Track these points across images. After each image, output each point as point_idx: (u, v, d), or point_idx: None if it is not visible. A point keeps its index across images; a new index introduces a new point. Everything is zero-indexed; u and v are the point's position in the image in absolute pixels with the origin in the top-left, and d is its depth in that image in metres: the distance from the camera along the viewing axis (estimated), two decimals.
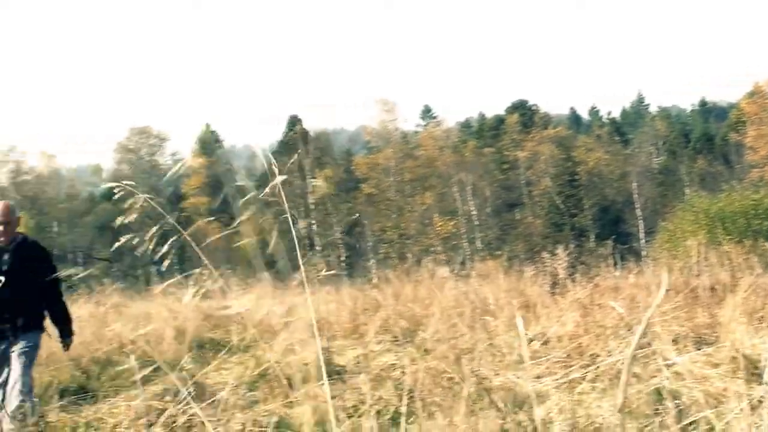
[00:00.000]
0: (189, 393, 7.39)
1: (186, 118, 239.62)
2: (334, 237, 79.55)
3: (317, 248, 78.89)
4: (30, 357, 8.02)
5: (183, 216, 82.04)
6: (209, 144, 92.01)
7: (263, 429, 5.18)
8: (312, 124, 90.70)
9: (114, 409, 8.76)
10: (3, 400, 7.85)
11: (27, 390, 7.84)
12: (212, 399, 7.01)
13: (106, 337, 12.86)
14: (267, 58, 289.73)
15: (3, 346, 7.96)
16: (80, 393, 10.42)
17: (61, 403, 9.22)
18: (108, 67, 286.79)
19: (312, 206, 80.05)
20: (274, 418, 7.31)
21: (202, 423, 6.83)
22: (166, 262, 4.35)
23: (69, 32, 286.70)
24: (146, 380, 7.86)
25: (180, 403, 7.35)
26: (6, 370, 7.96)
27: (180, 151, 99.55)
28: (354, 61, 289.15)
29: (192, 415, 6.86)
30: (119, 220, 4.41)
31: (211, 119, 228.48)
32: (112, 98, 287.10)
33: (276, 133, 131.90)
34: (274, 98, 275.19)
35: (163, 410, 7.49)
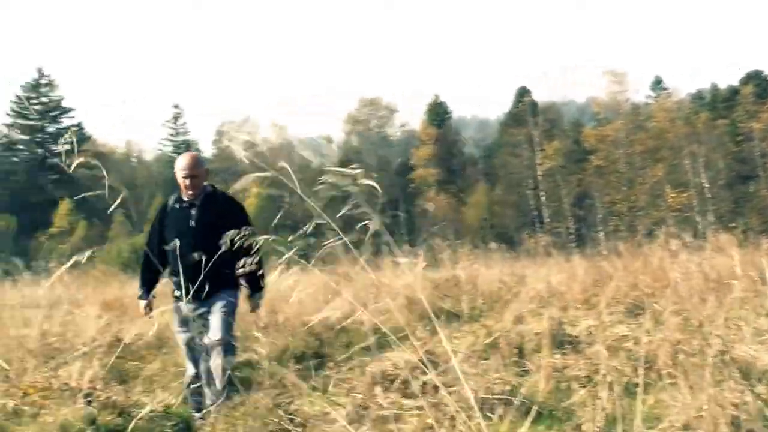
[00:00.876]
0: (421, 360, 7.51)
1: (413, 91, 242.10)
2: (562, 209, 78.99)
3: (546, 220, 78.53)
4: (228, 314, 7.65)
5: (412, 187, 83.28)
6: (438, 115, 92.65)
7: (495, 396, 5.19)
8: (541, 95, 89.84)
9: (348, 374, 8.94)
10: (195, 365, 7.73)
11: (231, 352, 7.57)
12: (444, 367, 7.07)
13: (337, 305, 13.16)
14: (495, 29, 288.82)
15: (203, 309, 7.65)
16: (315, 358, 10.72)
17: (297, 367, 9.50)
18: (338, 38, 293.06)
19: (540, 177, 79.69)
20: (507, 387, 7.32)
21: (435, 389, 6.93)
22: (373, 227, 4.17)
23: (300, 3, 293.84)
24: (379, 347, 7.95)
25: (413, 369, 7.47)
26: (206, 336, 7.59)
27: (409, 122, 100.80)
28: (584, 31, 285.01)
29: (425, 381, 6.96)
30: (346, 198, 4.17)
31: (440, 91, 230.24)
32: (341, 70, 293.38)
33: (505, 104, 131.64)
34: (502, 69, 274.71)
35: (397, 376, 7.62)
